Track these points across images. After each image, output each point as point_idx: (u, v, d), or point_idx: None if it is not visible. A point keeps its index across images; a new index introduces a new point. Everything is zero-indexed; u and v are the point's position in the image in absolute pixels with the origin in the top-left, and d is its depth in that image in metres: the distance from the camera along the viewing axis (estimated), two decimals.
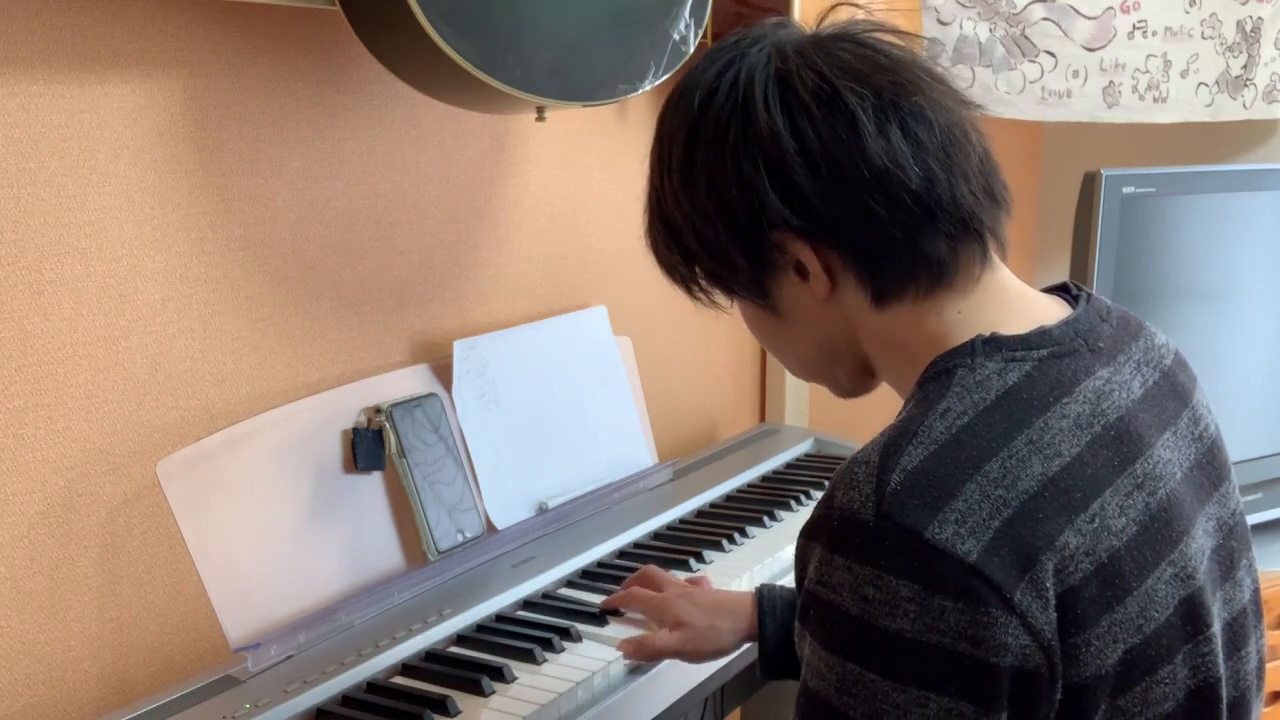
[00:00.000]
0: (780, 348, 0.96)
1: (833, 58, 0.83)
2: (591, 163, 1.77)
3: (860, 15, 0.89)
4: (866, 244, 0.83)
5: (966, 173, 0.83)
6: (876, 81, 0.82)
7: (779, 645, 1.13)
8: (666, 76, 1.41)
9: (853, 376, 0.94)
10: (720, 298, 0.93)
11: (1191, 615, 0.80)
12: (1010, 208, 0.87)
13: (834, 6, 0.90)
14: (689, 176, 0.87)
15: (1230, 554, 0.88)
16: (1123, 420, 0.81)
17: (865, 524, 0.73)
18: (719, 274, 0.90)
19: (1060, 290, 0.92)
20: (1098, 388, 0.82)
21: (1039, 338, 0.83)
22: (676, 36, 1.41)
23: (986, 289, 0.86)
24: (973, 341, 0.82)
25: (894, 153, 0.81)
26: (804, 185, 0.82)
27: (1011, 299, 0.87)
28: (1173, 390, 0.89)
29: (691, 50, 1.43)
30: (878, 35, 0.86)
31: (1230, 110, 2.20)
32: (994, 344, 0.82)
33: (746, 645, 1.17)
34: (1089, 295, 0.91)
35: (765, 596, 1.15)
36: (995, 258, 0.87)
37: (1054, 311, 0.88)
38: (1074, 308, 0.89)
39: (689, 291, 0.94)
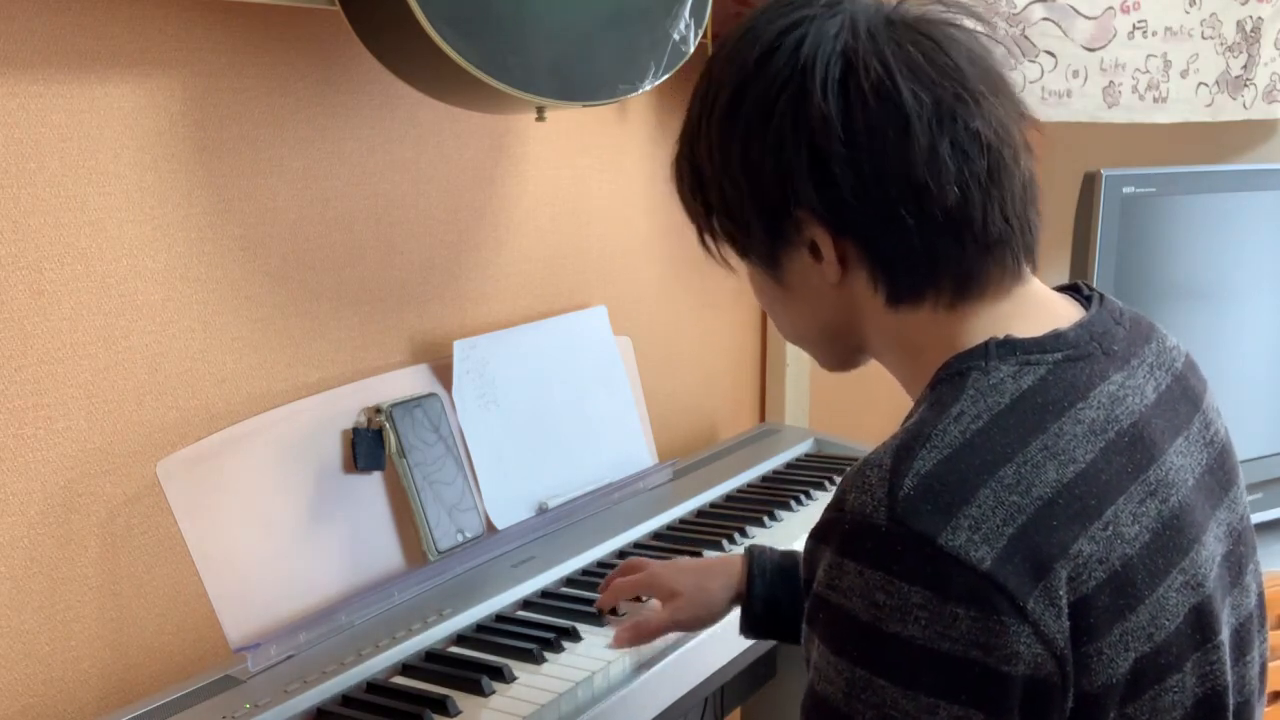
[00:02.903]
0: (779, 314, 0.94)
1: (903, 51, 0.80)
2: (591, 163, 1.77)
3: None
4: (887, 247, 0.82)
5: (1004, 199, 0.81)
6: (938, 89, 0.80)
7: (766, 606, 1.13)
8: (666, 76, 1.41)
9: (843, 355, 0.94)
10: (730, 255, 0.92)
11: (1201, 623, 0.79)
12: (1040, 233, 0.85)
13: None
14: (727, 133, 0.85)
15: (1239, 560, 0.87)
16: (1136, 426, 0.80)
17: (877, 529, 0.73)
18: (734, 234, 0.89)
19: (1071, 290, 0.91)
20: (1112, 393, 0.81)
21: (1053, 341, 0.81)
22: (676, 36, 1.41)
23: (1010, 299, 0.85)
24: (987, 344, 0.81)
25: (937, 168, 0.79)
26: (841, 178, 0.80)
27: (1029, 303, 0.85)
28: (1185, 394, 0.88)
29: (691, 50, 1.43)
30: (957, 29, 0.83)
31: (1230, 110, 2.19)
32: (1008, 346, 0.81)
33: (744, 646, 1.17)
34: (1101, 296, 0.90)
35: (756, 557, 1.15)
36: (1026, 272, 0.86)
37: (1068, 313, 0.86)
38: (1086, 308, 0.88)
39: (701, 239, 0.92)
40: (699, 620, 1.16)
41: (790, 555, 1.16)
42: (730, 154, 0.85)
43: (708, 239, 0.91)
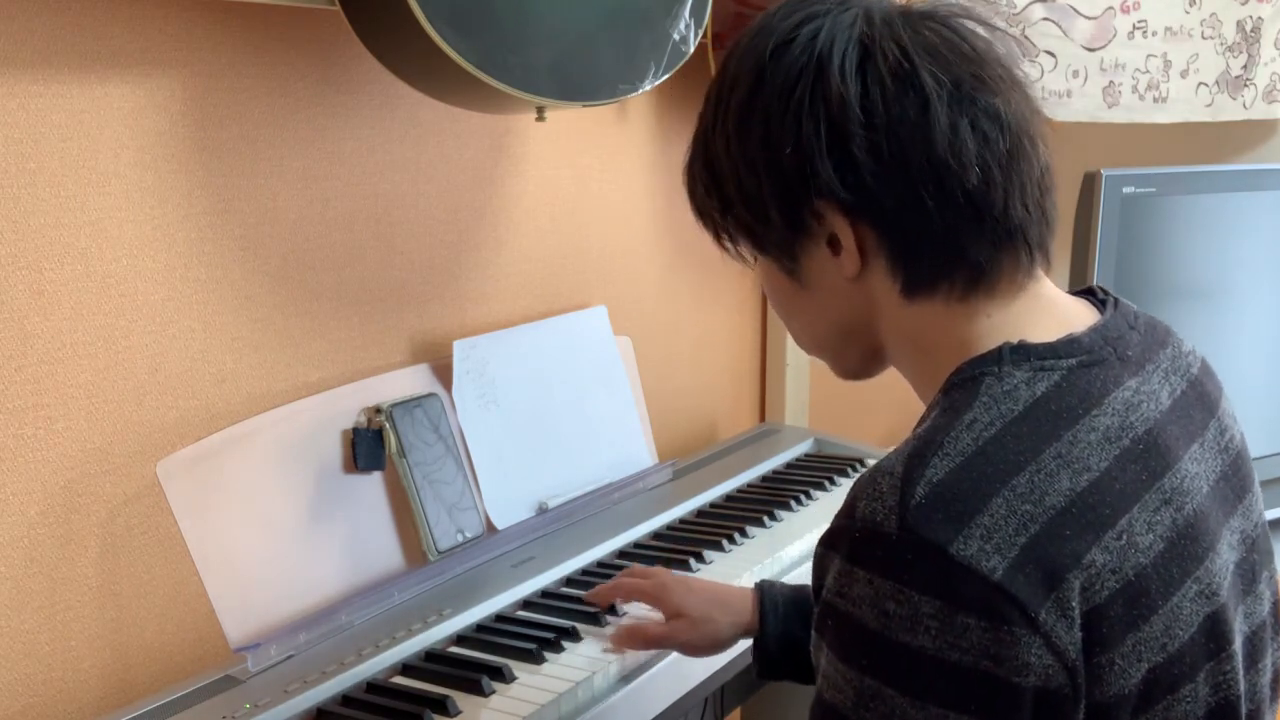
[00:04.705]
0: (794, 317, 0.93)
1: (920, 36, 0.81)
2: (591, 163, 1.77)
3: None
4: (907, 232, 0.81)
5: (1024, 184, 0.81)
6: (957, 71, 0.80)
7: (781, 646, 1.11)
8: (666, 76, 1.41)
9: (861, 360, 0.92)
10: (746, 252, 0.90)
11: (1215, 632, 0.79)
12: (1056, 226, 0.85)
13: None
14: (745, 122, 0.84)
15: (1252, 567, 0.86)
16: (1151, 433, 0.79)
17: (888, 537, 0.72)
18: (752, 229, 0.87)
19: (1086, 294, 0.90)
20: (1126, 399, 0.80)
21: (1068, 346, 0.81)
22: (676, 36, 1.41)
23: (1023, 297, 0.84)
24: (1000, 349, 0.80)
25: (958, 147, 0.78)
26: (861, 160, 0.79)
27: (1043, 305, 0.85)
28: (1200, 400, 0.87)
29: (691, 50, 1.43)
30: (968, 22, 0.83)
31: (1230, 110, 2.20)
32: (1022, 352, 0.80)
33: (744, 645, 1.17)
34: (1116, 300, 0.89)
35: (767, 594, 1.13)
36: (1039, 270, 0.85)
37: (1082, 317, 0.86)
38: (1101, 312, 0.87)
39: (717, 239, 0.91)
40: (698, 648, 1.14)
41: (802, 589, 1.13)
42: (749, 141, 0.83)
43: (724, 240, 0.90)
